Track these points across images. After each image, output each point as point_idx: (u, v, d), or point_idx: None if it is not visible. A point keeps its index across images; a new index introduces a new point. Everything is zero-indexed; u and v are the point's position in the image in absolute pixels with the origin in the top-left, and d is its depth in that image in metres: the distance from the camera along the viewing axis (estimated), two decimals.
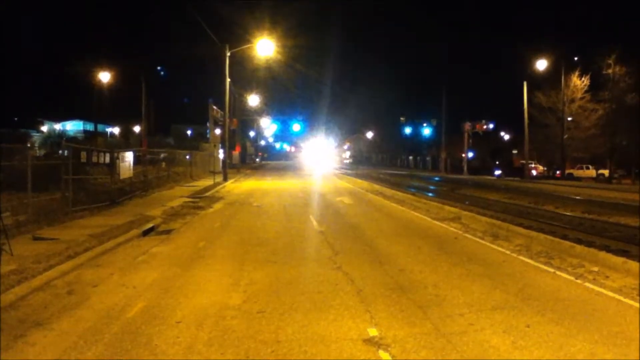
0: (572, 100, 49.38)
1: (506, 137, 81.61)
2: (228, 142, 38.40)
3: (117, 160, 19.09)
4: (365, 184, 33.22)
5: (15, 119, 68.89)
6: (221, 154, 38.98)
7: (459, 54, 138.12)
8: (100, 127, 63.11)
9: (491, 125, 65.77)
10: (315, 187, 30.85)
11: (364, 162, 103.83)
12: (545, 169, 59.71)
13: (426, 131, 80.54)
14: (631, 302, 6.84)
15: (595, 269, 8.69)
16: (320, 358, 4.98)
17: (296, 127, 78.81)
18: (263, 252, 10.28)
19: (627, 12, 69.05)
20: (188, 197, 21.35)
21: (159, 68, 65.80)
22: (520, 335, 5.57)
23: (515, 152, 67.23)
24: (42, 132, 65.60)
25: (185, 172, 33.71)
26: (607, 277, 8.24)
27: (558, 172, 52.84)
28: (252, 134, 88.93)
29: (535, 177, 51.53)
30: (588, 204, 22.18)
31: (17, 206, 12.46)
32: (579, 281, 7.97)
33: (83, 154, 16.68)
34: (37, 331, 5.66)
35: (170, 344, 5.30)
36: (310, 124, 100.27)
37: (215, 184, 29.20)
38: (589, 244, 11.20)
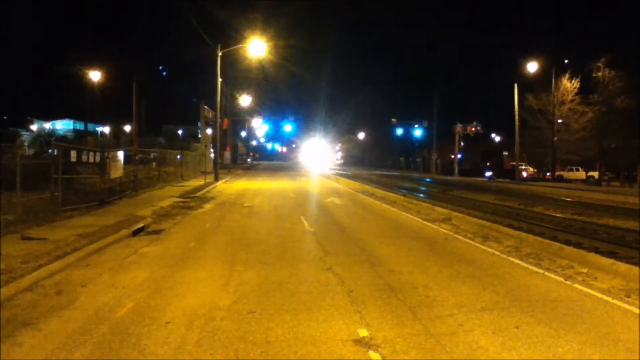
0: (563, 103, 49.75)
1: (497, 139, 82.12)
2: (219, 142, 38.33)
3: (108, 160, 18.98)
4: (356, 184, 33.26)
5: (5, 117, 68.49)
6: (212, 154, 38.86)
7: (450, 56, 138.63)
8: (90, 126, 62.73)
9: (482, 127, 66.14)
10: (307, 188, 30.85)
11: (356, 163, 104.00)
12: (535, 171, 60.09)
13: (417, 132, 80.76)
14: (619, 303, 6.90)
15: (584, 270, 8.76)
16: (310, 359, 4.98)
17: (288, 127, 78.83)
18: (253, 252, 10.26)
19: (618, 17, 69.68)
20: (178, 197, 21.27)
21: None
22: (509, 336, 5.60)
23: (506, 154, 67.60)
24: (32, 131, 65.16)
25: (176, 172, 33.58)
26: (596, 278, 8.30)
27: (548, 174, 53.20)
28: (243, 134, 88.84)
29: (526, 179, 51.80)
30: (578, 205, 22.35)
31: (6, 205, 12.36)
32: (568, 282, 8.03)
33: (73, 153, 16.57)
34: (25, 331, 5.61)
35: (159, 345, 5.27)
36: (302, 124, 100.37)
37: (206, 184, 29.12)
38: (578, 246, 11.27)
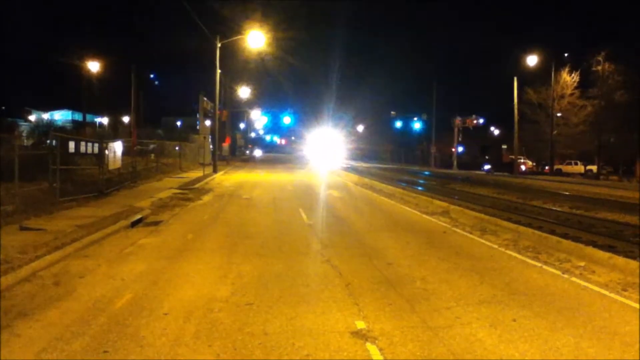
0: (562, 97, 49.75)
1: (496, 132, 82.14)
2: (218, 134, 38.24)
3: (106, 151, 18.95)
4: (355, 177, 33.26)
5: (3, 107, 68.26)
6: (211, 146, 38.81)
7: (449, 49, 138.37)
8: (89, 117, 62.51)
9: (481, 121, 66.07)
10: (305, 180, 30.84)
11: (355, 156, 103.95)
12: (534, 164, 60.13)
13: (416, 125, 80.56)
14: (616, 297, 6.92)
15: (582, 264, 8.78)
16: (307, 350, 4.99)
17: (287, 119, 78.64)
18: (252, 244, 10.26)
19: (618, 11, 69.47)
20: (177, 188, 21.25)
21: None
22: (507, 329, 5.61)
23: (504, 147, 67.61)
24: (30, 121, 64.93)
25: (175, 164, 33.55)
26: (593, 272, 8.33)
27: (547, 167, 53.29)
28: (242, 126, 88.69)
29: (524, 173, 51.83)
30: (576, 199, 22.36)
31: (4, 196, 12.33)
32: (565, 276, 8.05)
33: (71, 144, 16.50)
34: (22, 322, 5.62)
35: (157, 336, 5.28)
36: (301, 116, 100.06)
37: (205, 176, 29.10)
38: (576, 239, 11.27)
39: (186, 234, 11.31)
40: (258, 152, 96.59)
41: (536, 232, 11.62)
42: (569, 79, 49.35)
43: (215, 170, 33.34)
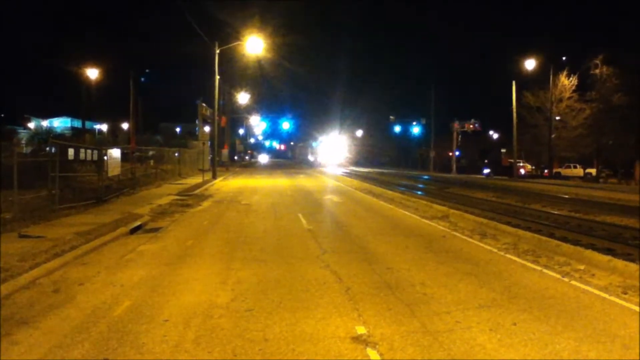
0: (560, 100, 49.81)
1: (495, 136, 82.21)
2: (217, 140, 38.25)
3: (105, 158, 18.95)
4: (354, 182, 33.26)
5: (2, 115, 68.35)
6: (210, 152, 38.83)
7: (448, 54, 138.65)
8: (88, 124, 62.53)
9: (480, 125, 66.20)
10: (304, 185, 30.83)
11: (354, 161, 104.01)
12: (533, 168, 60.17)
13: (415, 130, 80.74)
14: (616, 300, 6.91)
15: (582, 267, 8.78)
16: (308, 356, 4.98)
17: (285, 125, 78.94)
18: (251, 250, 10.25)
19: (616, 14, 69.80)
20: (176, 195, 21.26)
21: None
22: (507, 333, 5.61)
23: (503, 151, 67.69)
24: (29, 128, 65.00)
25: (174, 170, 33.56)
26: (593, 275, 8.32)
27: (546, 171, 53.29)
28: (241, 131, 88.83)
29: (523, 176, 51.87)
30: (575, 203, 22.38)
31: (3, 204, 12.33)
32: (565, 279, 8.04)
33: (70, 151, 16.52)
34: (22, 330, 5.61)
35: (157, 343, 5.27)
36: (300, 122, 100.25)
37: (204, 182, 29.11)
38: (576, 243, 11.29)
39: (185, 240, 11.31)
40: (264, 158, 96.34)
41: (536, 235, 11.62)
42: (567, 82, 49.45)
43: (214, 177, 33.36)
